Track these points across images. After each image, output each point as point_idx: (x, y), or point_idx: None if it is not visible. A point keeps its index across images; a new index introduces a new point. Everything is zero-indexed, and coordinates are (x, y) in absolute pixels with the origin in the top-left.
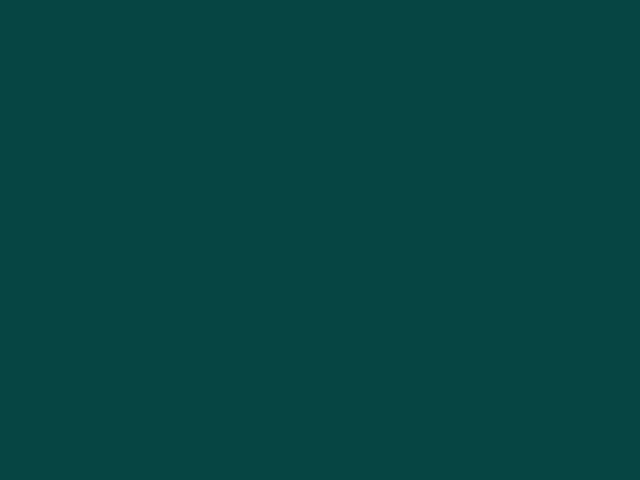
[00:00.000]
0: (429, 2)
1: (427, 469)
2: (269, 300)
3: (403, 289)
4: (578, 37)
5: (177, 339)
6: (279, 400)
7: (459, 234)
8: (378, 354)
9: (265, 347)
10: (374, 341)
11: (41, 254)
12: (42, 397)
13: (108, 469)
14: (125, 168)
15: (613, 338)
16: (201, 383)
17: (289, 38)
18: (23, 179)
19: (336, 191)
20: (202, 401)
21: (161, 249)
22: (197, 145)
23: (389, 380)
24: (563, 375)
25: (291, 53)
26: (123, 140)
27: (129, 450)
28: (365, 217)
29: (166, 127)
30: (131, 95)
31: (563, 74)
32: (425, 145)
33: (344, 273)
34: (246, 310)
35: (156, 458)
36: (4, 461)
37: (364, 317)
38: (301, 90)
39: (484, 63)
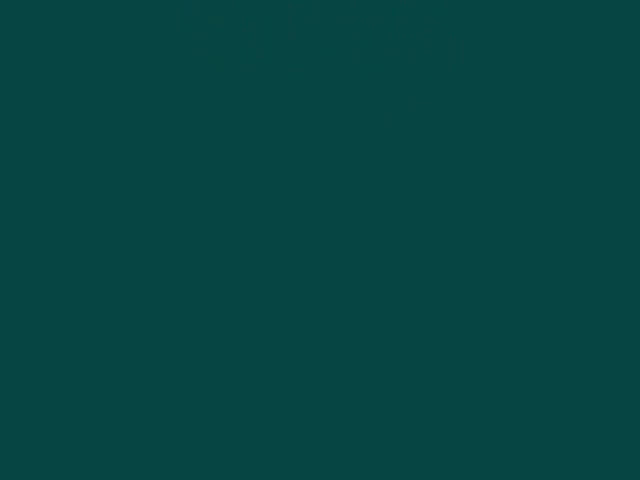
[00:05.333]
0: (429, 3)
1: (427, 469)
2: (269, 300)
3: (403, 289)
4: (578, 37)
5: (177, 339)
6: (279, 400)
7: (459, 235)
8: (378, 354)
9: (265, 347)
10: (374, 341)
11: (41, 254)
12: (42, 397)
13: (108, 469)
14: (125, 168)
15: (613, 338)
16: (201, 383)
17: (289, 39)
18: (23, 179)
19: (336, 191)
20: (202, 401)
21: (161, 249)
22: (197, 145)
23: (389, 380)
24: (563, 375)
25: (291, 54)
26: (123, 140)
27: (129, 450)
28: (365, 217)
29: (166, 127)
30: (131, 95)
31: (563, 74)
32: (425, 145)
33: (344, 273)
34: (246, 310)
35: (156, 458)
36: (4, 461)
37: (364, 317)
38: (301, 90)
39: (484, 63)
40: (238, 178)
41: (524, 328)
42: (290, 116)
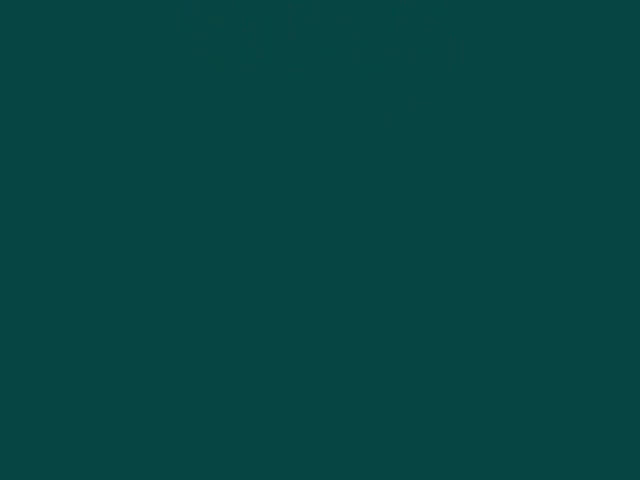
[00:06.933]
0: (430, 3)
1: (427, 469)
2: (269, 300)
3: (403, 289)
4: (578, 37)
5: (177, 339)
6: (279, 400)
7: (459, 234)
8: (378, 354)
9: (265, 347)
10: (374, 341)
11: (41, 254)
12: (42, 397)
13: (108, 469)
14: (125, 168)
15: (613, 338)
16: (201, 383)
17: (289, 38)
18: (23, 179)
19: (336, 191)
20: (202, 401)
21: (161, 250)
22: (197, 145)
23: (389, 380)
24: (563, 375)
25: (291, 53)
26: (123, 140)
27: (129, 450)
28: (365, 217)
29: (166, 127)
30: (131, 95)
31: (563, 74)
32: (425, 145)
33: (344, 273)
34: (246, 310)
35: (156, 458)
36: (4, 461)
37: (364, 317)
38: (301, 90)
39: (484, 63)
40: (238, 177)
41: (524, 328)
42: (290, 116)
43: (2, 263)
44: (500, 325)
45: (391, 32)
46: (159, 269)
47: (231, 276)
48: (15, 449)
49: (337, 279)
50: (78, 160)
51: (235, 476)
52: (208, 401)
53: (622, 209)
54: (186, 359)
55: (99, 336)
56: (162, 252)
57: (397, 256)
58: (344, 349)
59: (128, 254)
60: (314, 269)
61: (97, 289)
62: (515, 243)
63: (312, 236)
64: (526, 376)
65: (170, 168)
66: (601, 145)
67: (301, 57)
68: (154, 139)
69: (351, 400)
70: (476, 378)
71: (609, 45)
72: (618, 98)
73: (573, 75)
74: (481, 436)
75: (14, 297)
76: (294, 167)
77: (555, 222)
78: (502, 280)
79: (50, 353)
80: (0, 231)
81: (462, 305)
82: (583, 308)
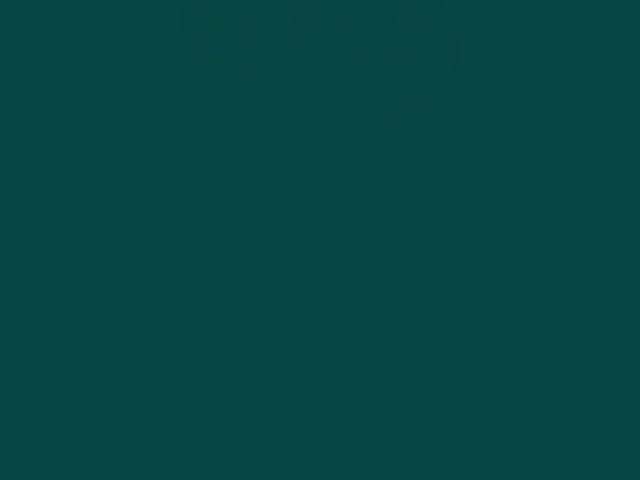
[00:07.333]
0: (430, 3)
1: (427, 469)
2: (269, 300)
3: (403, 289)
4: (578, 37)
5: (177, 339)
6: (279, 400)
7: (459, 234)
8: (378, 354)
9: (265, 347)
10: (374, 341)
11: (41, 254)
12: (42, 397)
13: (108, 469)
14: (125, 168)
15: (613, 338)
16: (201, 383)
17: (289, 38)
18: (23, 179)
19: (336, 191)
20: (202, 401)
21: (161, 249)
22: (197, 144)
23: (389, 380)
24: (563, 375)
25: (291, 53)
26: (123, 139)
27: (129, 450)
28: (365, 216)
29: (166, 127)
30: (131, 95)
31: (563, 74)
32: (425, 145)
33: (344, 273)
34: (246, 310)
35: (156, 458)
36: (4, 461)
37: (364, 317)
38: (301, 90)
39: (484, 63)
40: (238, 177)
41: (524, 328)
42: (290, 116)
43: (2, 263)
44: (500, 324)
45: (391, 32)
46: (159, 268)
47: (231, 275)
48: (15, 449)
49: (337, 278)
50: (77, 159)
51: (235, 476)
52: (208, 400)
53: (622, 209)
54: (186, 358)
55: (99, 335)
56: (162, 251)
57: (397, 256)
58: (344, 349)
59: (127, 253)
60: (314, 268)
61: (97, 288)
62: (515, 242)
63: (312, 235)
64: (526, 376)
65: (170, 167)
66: (601, 145)
67: (301, 57)
68: (154, 138)
69: (351, 400)
70: (476, 378)
71: (609, 45)
72: (618, 98)
73: (573, 75)
74: (481, 436)
75: (14, 297)
76: (294, 167)
77: (555, 222)
78: (502, 279)
79: (50, 352)
80: (0, 231)
81: (462, 304)
82: (583, 308)
